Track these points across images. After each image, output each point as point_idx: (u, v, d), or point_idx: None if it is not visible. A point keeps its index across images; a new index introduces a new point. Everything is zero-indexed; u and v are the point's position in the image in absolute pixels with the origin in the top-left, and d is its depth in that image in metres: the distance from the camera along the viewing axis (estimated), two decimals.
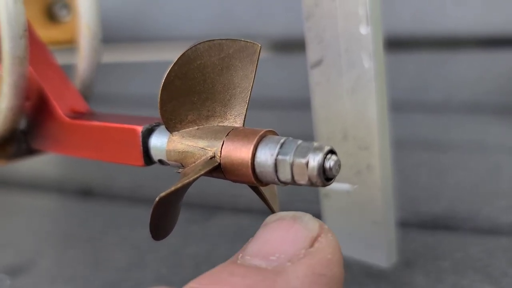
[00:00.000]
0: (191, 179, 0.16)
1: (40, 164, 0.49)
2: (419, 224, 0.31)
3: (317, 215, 0.26)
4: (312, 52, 0.24)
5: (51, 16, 0.29)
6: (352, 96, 0.23)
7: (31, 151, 0.23)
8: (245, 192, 0.37)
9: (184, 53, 0.17)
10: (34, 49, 0.22)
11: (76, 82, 0.24)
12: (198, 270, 0.28)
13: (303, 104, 0.47)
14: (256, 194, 0.18)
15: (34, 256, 0.31)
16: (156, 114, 0.19)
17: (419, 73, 0.68)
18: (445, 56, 0.72)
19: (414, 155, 0.43)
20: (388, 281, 0.25)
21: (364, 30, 0.22)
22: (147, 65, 0.90)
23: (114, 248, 0.31)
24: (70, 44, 0.30)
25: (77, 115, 0.21)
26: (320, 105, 0.24)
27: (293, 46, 0.81)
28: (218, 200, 0.36)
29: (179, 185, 0.15)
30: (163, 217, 0.16)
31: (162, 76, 0.17)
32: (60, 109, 0.21)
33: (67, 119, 0.21)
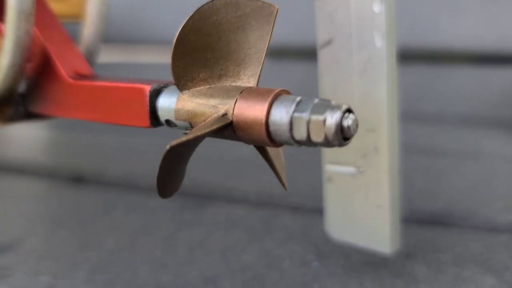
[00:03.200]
0: (203, 132, 0.15)
1: (32, 150, 0.48)
2: (418, 220, 0.30)
3: (320, 200, 0.25)
4: (322, 32, 0.23)
5: None
6: (362, 78, 0.22)
7: (29, 115, 0.23)
8: (240, 184, 0.36)
9: (200, 8, 0.16)
10: (39, 9, 0.21)
11: (81, 47, 0.23)
12: (191, 253, 0.27)
13: None
14: (264, 159, 0.18)
15: (23, 235, 0.30)
16: None
17: (413, 86, 0.69)
18: (439, 70, 0.73)
19: (410, 160, 0.42)
20: (388, 271, 0.25)
21: (377, 8, 0.21)
22: (142, 67, 0.90)
23: (105, 232, 0.30)
24: (75, 19, 0.29)
25: (81, 76, 0.21)
26: (328, 87, 0.24)
27: (288, 53, 0.81)
28: (212, 189, 0.36)
29: (190, 136, 0.15)
30: (171, 171, 0.15)
31: (177, 30, 0.16)
32: (63, 70, 0.20)
33: (70, 80, 0.20)
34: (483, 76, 0.69)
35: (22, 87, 0.22)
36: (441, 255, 0.26)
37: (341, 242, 0.25)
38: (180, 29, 0.16)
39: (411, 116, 0.57)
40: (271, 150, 0.18)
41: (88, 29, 0.23)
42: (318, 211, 0.26)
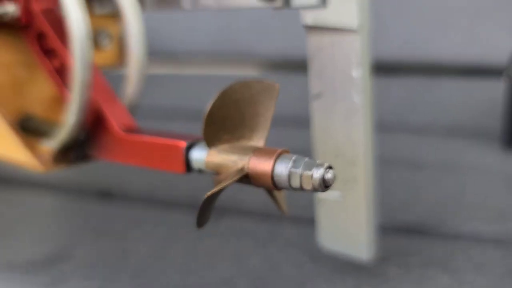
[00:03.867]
0: (227, 183, 0.22)
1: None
2: (395, 229, 0.37)
3: (312, 218, 0.32)
4: (314, 86, 0.30)
5: (95, 44, 0.35)
6: (344, 123, 0.29)
7: (87, 157, 0.29)
8: (248, 197, 0.43)
9: (224, 90, 0.23)
10: (94, 75, 0.28)
11: (125, 101, 0.29)
12: (211, 259, 0.34)
13: (298, 121, 0.53)
14: (270, 197, 0.24)
15: (70, 247, 0.37)
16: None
17: (405, 97, 0.75)
18: (430, 82, 0.79)
19: (395, 172, 0.49)
20: (367, 272, 0.31)
21: (355, 73, 0.28)
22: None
23: (138, 242, 0.37)
24: (109, 68, 0.36)
25: (130, 129, 0.27)
26: (318, 129, 0.30)
27: (289, 66, 0.87)
28: (225, 203, 0.42)
29: (219, 187, 0.21)
30: (205, 210, 0.22)
31: (207, 106, 0.23)
32: (116, 125, 0.27)
33: (122, 133, 0.27)
34: (469, 88, 0.75)
35: (81, 135, 0.28)
36: (411, 258, 0.33)
37: (329, 250, 0.31)
38: (210, 106, 0.22)
39: (399, 127, 0.63)
40: None
41: (130, 88, 0.29)
42: (313, 221, 0.32)
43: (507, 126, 0.54)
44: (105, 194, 0.47)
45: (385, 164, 0.50)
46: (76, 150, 0.29)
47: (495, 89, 0.65)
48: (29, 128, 0.30)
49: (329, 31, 0.28)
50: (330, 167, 0.22)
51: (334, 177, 0.22)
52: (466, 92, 0.75)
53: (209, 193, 0.21)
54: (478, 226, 0.37)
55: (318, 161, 0.22)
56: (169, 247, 0.36)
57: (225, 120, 0.23)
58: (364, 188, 0.29)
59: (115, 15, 0.35)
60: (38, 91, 0.31)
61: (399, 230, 0.37)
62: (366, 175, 0.29)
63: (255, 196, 0.43)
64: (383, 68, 0.82)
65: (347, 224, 0.30)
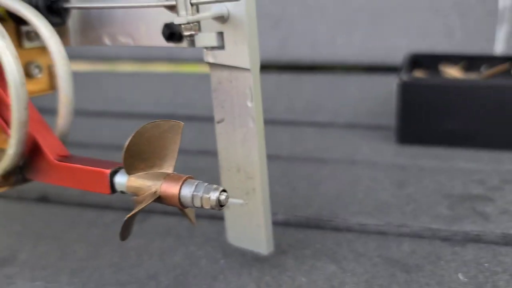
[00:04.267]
0: (143, 206, 0.27)
1: None
2: (295, 224, 0.44)
3: (221, 220, 0.38)
4: (217, 113, 0.36)
5: (27, 75, 0.39)
6: (243, 144, 0.35)
7: (25, 180, 0.34)
8: None
9: (138, 130, 0.28)
10: (30, 112, 0.33)
11: (57, 132, 0.34)
12: (139, 257, 0.40)
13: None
14: (181, 212, 0.30)
15: (13, 251, 0.41)
16: None
17: (314, 94, 0.82)
18: (336, 80, 0.86)
19: (301, 168, 0.56)
20: (268, 263, 0.38)
21: (250, 103, 0.34)
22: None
23: (75, 244, 0.42)
24: (40, 94, 0.40)
25: (63, 158, 0.32)
26: (222, 148, 0.36)
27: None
28: (150, 205, 0.48)
29: (137, 209, 0.27)
30: (127, 228, 0.28)
31: (125, 143, 0.28)
32: (50, 155, 0.32)
33: (56, 162, 0.32)
34: (370, 86, 0.83)
35: (21, 162, 0.33)
36: (305, 251, 0.40)
37: (236, 246, 0.38)
38: (127, 143, 0.28)
39: (308, 124, 0.70)
40: None
41: (61, 121, 0.34)
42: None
43: (399, 122, 0.61)
44: (42, 199, 0.51)
45: (293, 161, 0.57)
46: (16, 174, 0.34)
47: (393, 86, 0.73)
48: None
49: (228, 68, 0.34)
50: (224, 191, 0.28)
51: (227, 198, 0.28)
52: (368, 89, 0.82)
53: (129, 215, 0.27)
54: (364, 219, 0.44)
55: (214, 186, 0.28)
56: (103, 247, 0.41)
57: (140, 153, 0.29)
58: (261, 196, 0.36)
59: (44, 47, 0.40)
60: None
61: (300, 225, 0.44)
62: (262, 186, 0.36)
63: None
64: (294, 68, 0.89)
65: (249, 225, 0.37)
